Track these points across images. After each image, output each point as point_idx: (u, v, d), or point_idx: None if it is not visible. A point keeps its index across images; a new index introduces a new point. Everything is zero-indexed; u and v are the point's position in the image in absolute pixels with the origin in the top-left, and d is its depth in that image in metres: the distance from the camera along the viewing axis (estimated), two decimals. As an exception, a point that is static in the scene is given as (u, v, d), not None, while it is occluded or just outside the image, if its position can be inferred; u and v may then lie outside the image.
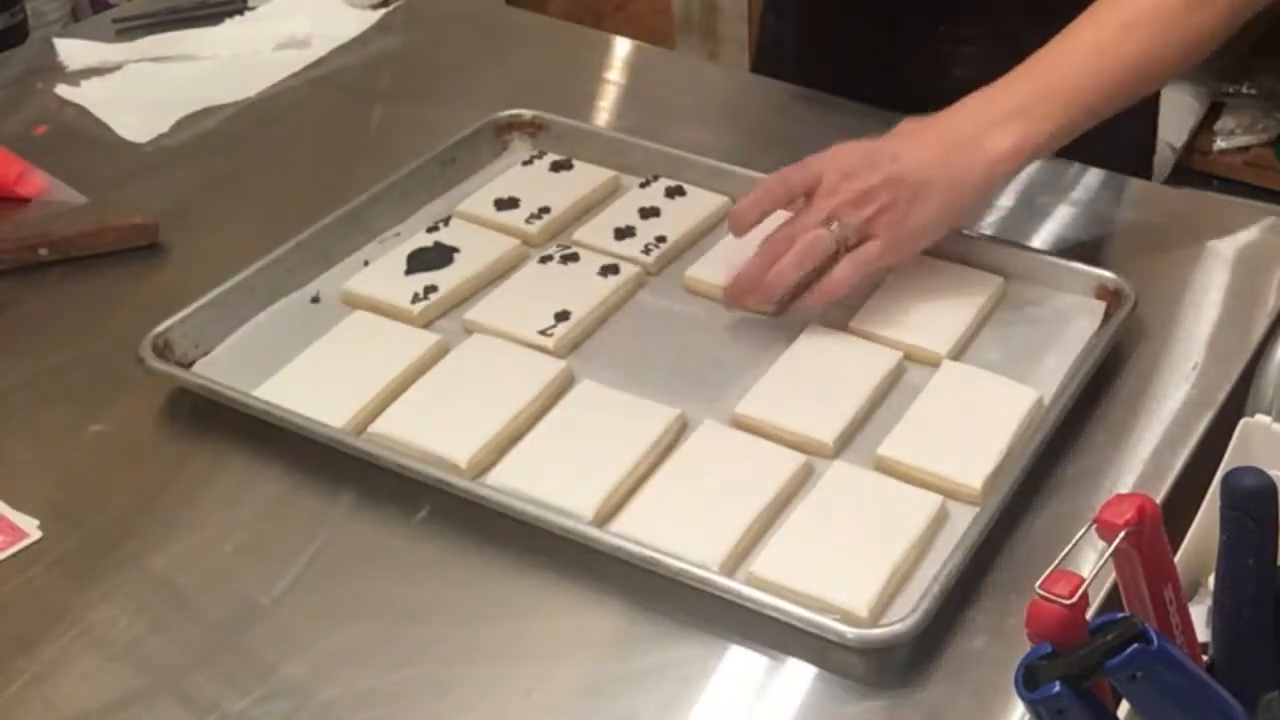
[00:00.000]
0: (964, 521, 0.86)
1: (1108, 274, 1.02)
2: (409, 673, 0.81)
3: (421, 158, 1.17)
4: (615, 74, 1.40)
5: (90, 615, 0.84)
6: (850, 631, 0.78)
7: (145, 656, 0.82)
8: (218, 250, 1.15)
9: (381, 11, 1.51)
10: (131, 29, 1.48)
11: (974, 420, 0.92)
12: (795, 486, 0.89)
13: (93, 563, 0.88)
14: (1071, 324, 1.02)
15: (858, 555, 0.83)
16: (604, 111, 1.34)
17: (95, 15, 1.70)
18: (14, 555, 0.88)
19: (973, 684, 0.79)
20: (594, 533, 0.84)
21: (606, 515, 0.87)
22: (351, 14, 1.51)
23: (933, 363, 0.98)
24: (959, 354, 0.99)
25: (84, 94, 1.37)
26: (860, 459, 0.91)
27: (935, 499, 0.87)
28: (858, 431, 0.94)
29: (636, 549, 0.83)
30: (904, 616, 0.78)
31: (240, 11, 1.51)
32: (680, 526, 0.85)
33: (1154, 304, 1.05)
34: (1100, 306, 1.02)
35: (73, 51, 1.44)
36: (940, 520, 0.86)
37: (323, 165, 1.28)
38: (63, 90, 1.38)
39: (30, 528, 0.90)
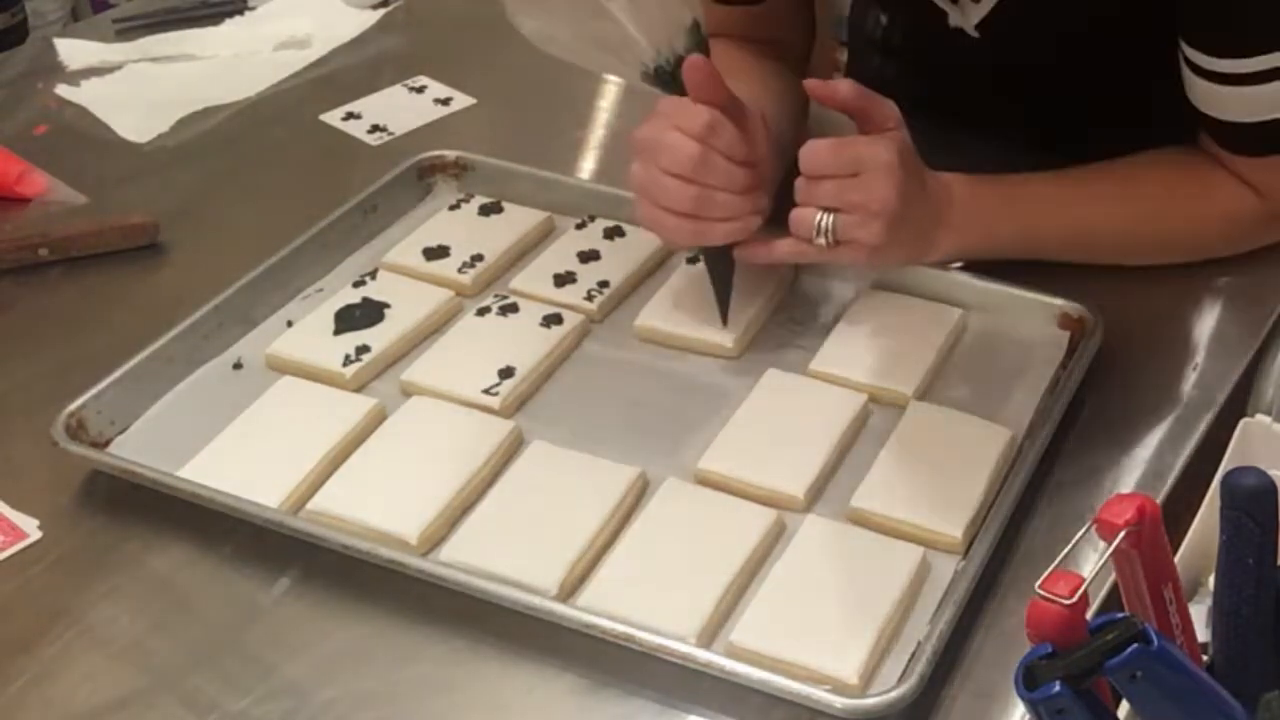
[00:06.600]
0: (946, 572, 0.84)
1: (1070, 303, 1.00)
2: (409, 673, 0.81)
3: (340, 207, 1.12)
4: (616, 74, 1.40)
5: (90, 615, 0.84)
6: (840, 701, 0.75)
7: (145, 656, 0.82)
8: (218, 250, 1.15)
9: (381, 11, 1.52)
10: (131, 29, 1.48)
11: (948, 464, 0.90)
12: (768, 545, 0.86)
13: (93, 563, 0.88)
14: (1037, 355, 1.00)
15: (841, 617, 0.80)
16: (604, 112, 1.34)
17: (95, 15, 1.71)
18: (14, 555, 0.88)
19: (973, 684, 0.79)
20: (562, 609, 0.80)
21: (571, 588, 0.83)
22: (351, 14, 1.51)
23: (899, 404, 0.96)
24: (924, 393, 0.97)
25: (84, 94, 1.38)
26: (834, 511, 0.88)
27: (916, 551, 0.84)
28: (828, 482, 0.91)
29: (609, 624, 0.79)
30: (896, 683, 0.76)
31: (240, 11, 1.51)
32: (651, 596, 0.81)
33: (1156, 301, 1.05)
34: (1064, 336, 1.00)
35: (73, 51, 1.44)
36: (923, 574, 0.83)
37: (323, 165, 1.28)
38: (63, 90, 1.38)
39: (30, 528, 0.90)
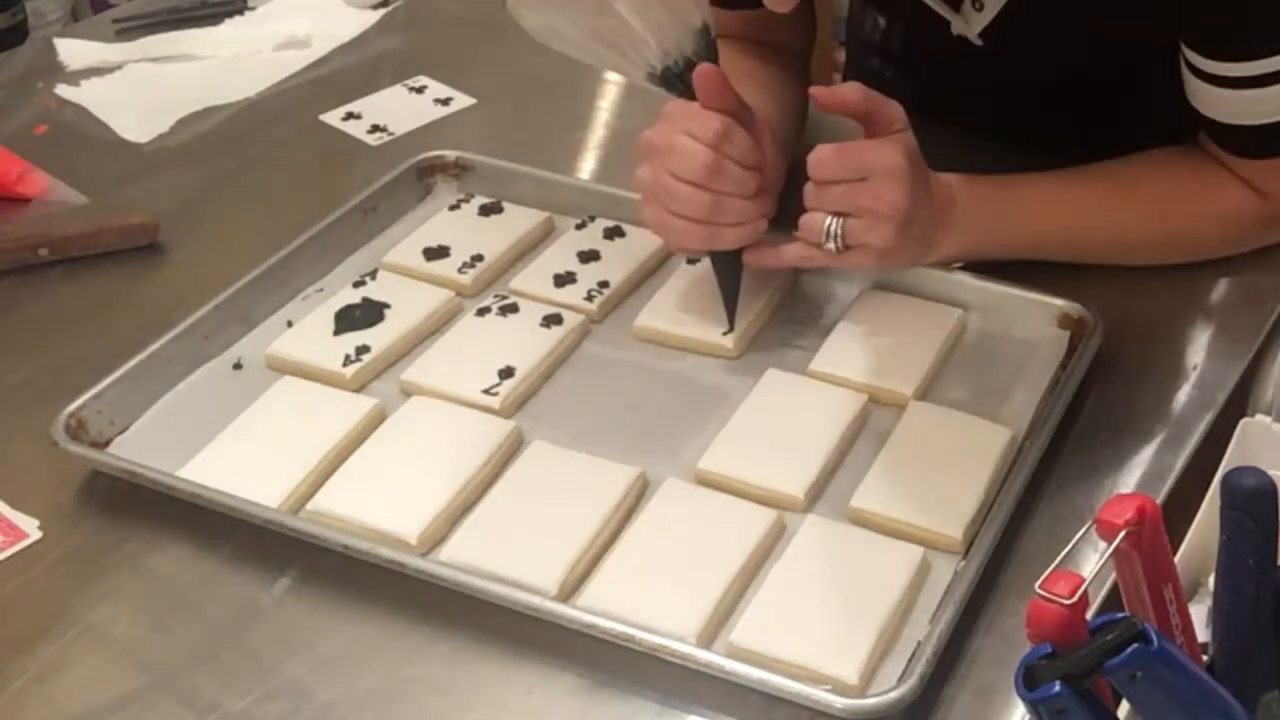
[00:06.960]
0: (946, 572, 0.84)
1: (1070, 303, 1.00)
2: (409, 673, 0.81)
3: (341, 207, 1.12)
4: (616, 74, 1.40)
5: (90, 615, 0.84)
6: (840, 702, 0.75)
7: (145, 656, 0.82)
8: (218, 250, 1.15)
9: (381, 11, 1.52)
10: (131, 29, 1.48)
11: (948, 464, 0.90)
12: (768, 545, 0.86)
13: (93, 563, 0.88)
14: (1037, 355, 1.00)
15: (841, 618, 0.80)
16: (604, 112, 1.34)
17: (95, 15, 1.71)
18: (14, 555, 0.88)
19: (973, 684, 0.79)
20: (562, 609, 0.80)
21: (571, 588, 0.83)
22: (351, 14, 1.51)
23: (899, 404, 0.95)
24: (924, 393, 0.97)
25: (84, 94, 1.38)
26: (834, 511, 0.88)
27: (916, 551, 0.84)
28: (828, 482, 0.90)
29: (609, 624, 0.79)
30: (896, 684, 0.76)
31: (240, 11, 1.51)
32: (651, 597, 0.81)
33: (1156, 301, 1.05)
34: (1064, 336, 1.00)
35: (73, 51, 1.44)
36: (923, 574, 0.83)
37: (323, 165, 1.28)
38: (63, 90, 1.38)
39: (30, 528, 0.90)
